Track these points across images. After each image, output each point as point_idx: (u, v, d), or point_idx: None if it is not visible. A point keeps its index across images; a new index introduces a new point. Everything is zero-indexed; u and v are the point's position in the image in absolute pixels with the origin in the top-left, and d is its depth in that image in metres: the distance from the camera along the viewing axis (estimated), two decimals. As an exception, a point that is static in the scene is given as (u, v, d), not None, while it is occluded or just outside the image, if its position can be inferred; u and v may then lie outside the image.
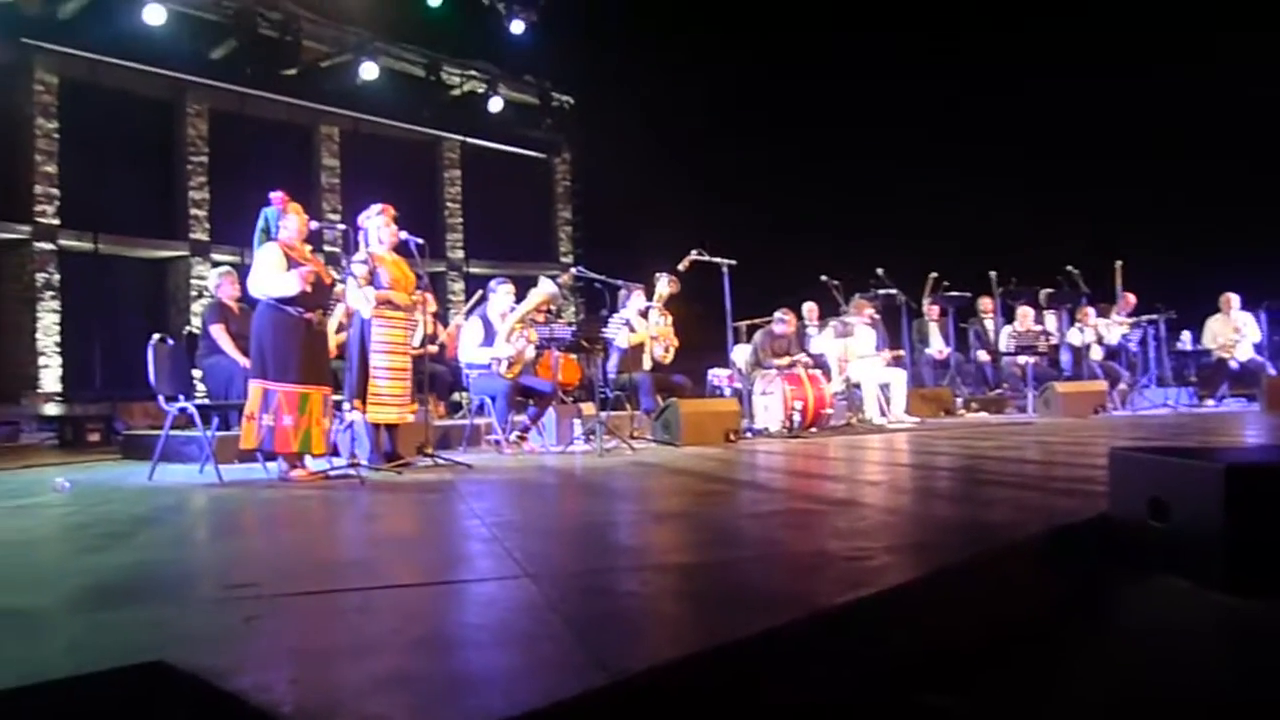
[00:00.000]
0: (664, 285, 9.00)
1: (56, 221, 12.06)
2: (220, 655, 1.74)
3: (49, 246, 12.02)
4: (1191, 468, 2.36)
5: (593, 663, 1.63)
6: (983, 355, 11.83)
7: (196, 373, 7.61)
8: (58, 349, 11.98)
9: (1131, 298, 11.59)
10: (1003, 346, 11.34)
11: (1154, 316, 11.33)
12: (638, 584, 2.40)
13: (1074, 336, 11.42)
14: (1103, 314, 11.63)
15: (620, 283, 8.98)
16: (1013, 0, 13.70)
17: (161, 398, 5.95)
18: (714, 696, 1.65)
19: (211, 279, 8.14)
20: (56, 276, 12.08)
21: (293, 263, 5.57)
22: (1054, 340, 11.30)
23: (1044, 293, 11.70)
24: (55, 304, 12.03)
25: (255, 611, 2.12)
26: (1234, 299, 11.39)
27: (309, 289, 5.51)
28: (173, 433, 6.18)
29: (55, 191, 12.08)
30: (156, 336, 6.06)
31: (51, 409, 11.53)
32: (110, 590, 2.49)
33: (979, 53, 13.83)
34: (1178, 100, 12.50)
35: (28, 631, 2.03)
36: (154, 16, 11.58)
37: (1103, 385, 10.57)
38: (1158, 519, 2.46)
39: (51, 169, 12.07)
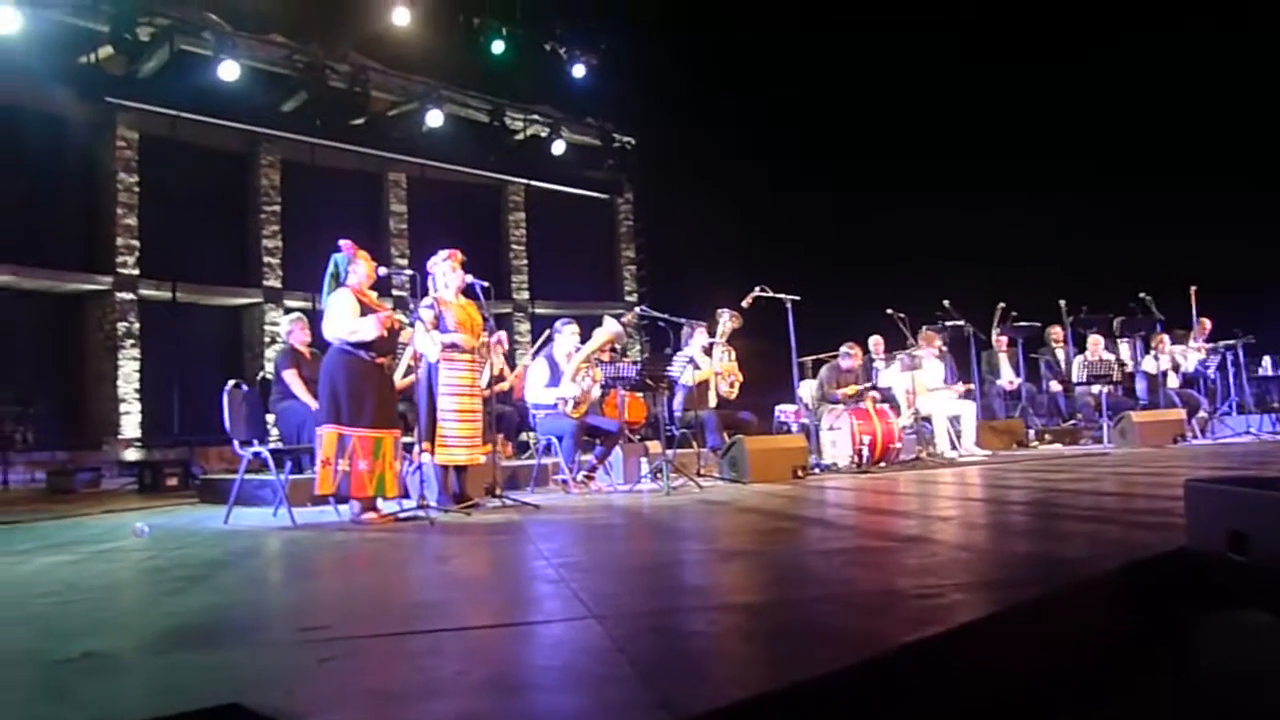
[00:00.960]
0: (726, 321, 9.00)
1: (136, 272, 12.51)
2: (294, 697, 1.77)
3: (129, 296, 12.45)
4: (1270, 499, 2.29)
5: (658, 704, 1.63)
6: (1055, 385, 11.59)
7: (270, 417, 7.78)
8: (137, 396, 12.36)
9: (1207, 323, 11.28)
10: (1075, 376, 11.09)
11: (1232, 341, 10.99)
12: (704, 624, 2.39)
13: (1149, 364, 11.14)
14: (1178, 340, 11.33)
15: (683, 320, 9.02)
16: (1076, 31, 13.55)
17: (236, 442, 6.09)
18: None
19: (284, 325, 8.34)
20: (136, 325, 12.50)
21: (365, 308, 5.70)
22: (1128, 368, 11.03)
23: (1116, 320, 11.44)
24: (135, 352, 12.44)
25: (328, 653, 2.16)
26: (1319, 321, 11.04)
27: (385, 333, 5.64)
28: (247, 477, 6.32)
29: (135, 243, 12.54)
30: (231, 383, 6.22)
31: (131, 454, 11.87)
32: (187, 633, 2.55)
33: (1044, 82, 13.69)
34: (1252, 121, 12.23)
35: (107, 673, 2.09)
36: (228, 73, 12.03)
37: (1181, 414, 10.27)
38: (1237, 552, 2.38)
39: (132, 221, 12.54)
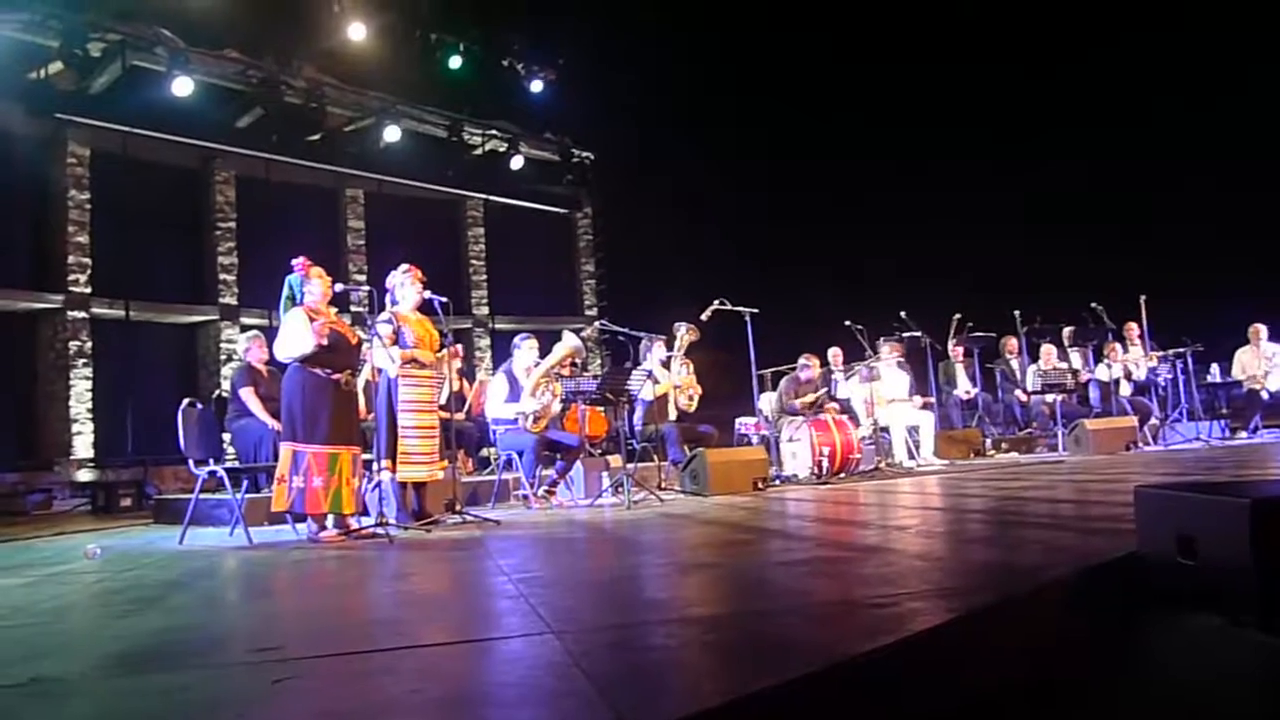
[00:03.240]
0: (683, 334, 9.03)
1: (88, 290, 12.29)
2: (245, 719, 1.75)
3: (81, 315, 12.23)
4: (1216, 504, 2.33)
5: (615, 718, 1.63)
6: (1020, 395, 11.68)
7: (226, 435, 7.69)
8: (90, 415, 12.13)
9: (1134, 327, 11.50)
10: (1030, 385, 11.25)
11: (1181, 350, 11.22)
12: (662, 637, 2.39)
13: (1102, 372, 11.33)
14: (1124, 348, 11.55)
15: (642, 334, 9.03)
16: (1032, 45, 13.78)
17: (191, 462, 6.01)
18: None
19: (241, 343, 8.25)
20: (89, 344, 12.27)
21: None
22: (1082, 377, 11.20)
23: (1068, 330, 11.63)
24: (88, 371, 12.21)
25: (281, 674, 2.13)
26: (1263, 330, 11.28)
27: (324, 342, 5.58)
28: (203, 496, 6.23)
29: (87, 261, 12.32)
30: (186, 401, 6.14)
31: (84, 475, 11.65)
32: (139, 656, 2.51)
33: (998, 96, 13.91)
34: (1200, 134, 12.51)
35: (55, 698, 2.05)
36: (182, 88, 11.88)
37: (1133, 421, 10.45)
38: (1186, 557, 2.42)
39: (83, 239, 12.32)
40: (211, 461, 6.09)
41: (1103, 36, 13.45)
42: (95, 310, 12.35)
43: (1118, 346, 11.39)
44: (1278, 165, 12.15)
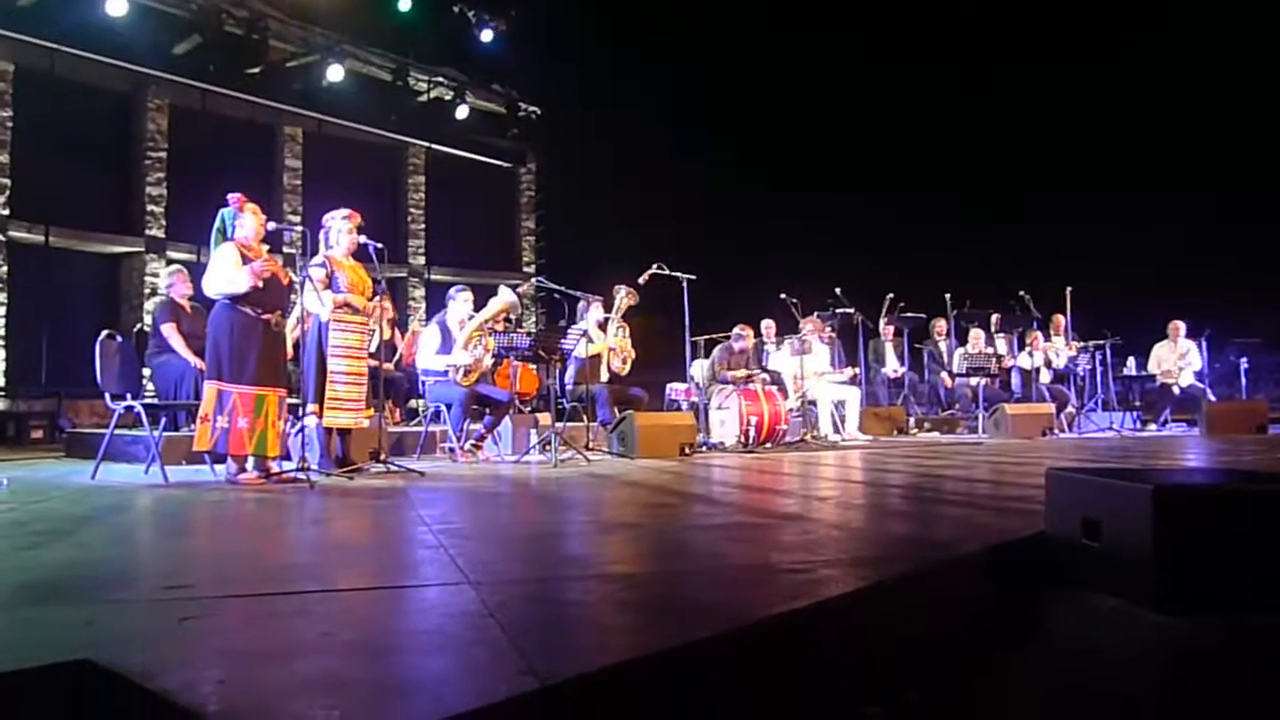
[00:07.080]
0: (622, 297, 9.02)
1: (6, 212, 11.84)
2: (149, 654, 1.72)
3: (-3, 237, 11.80)
4: (1121, 488, 2.41)
5: (525, 669, 1.63)
6: (945, 377, 11.90)
7: (146, 371, 7.50)
8: (2, 343, 11.74)
9: (1061, 319, 11.78)
10: (955, 368, 11.48)
11: (1100, 342, 11.53)
12: (579, 593, 2.40)
13: (1024, 360, 11.59)
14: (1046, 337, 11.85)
15: (579, 294, 9.00)
16: (962, 35, 13.93)
17: (108, 396, 5.85)
18: (642, 705, 1.65)
19: (164, 277, 8.03)
20: (4, 269, 11.84)
21: (248, 263, 5.53)
22: (1006, 363, 11.46)
23: (995, 316, 11.87)
24: (1, 297, 11.79)
25: (189, 612, 2.10)
26: (1182, 327, 11.64)
27: (260, 284, 5.47)
28: (119, 432, 6.09)
29: (5, 181, 11.86)
30: (105, 333, 5.97)
31: (-6, 404, 11.31)
32: (42, 588, 2.45)
33: (939, 88, 14.06)
34: (1133, 138, 12.82)
35: (-48, 627, 2.00)
36: (116, 8, 11.46)
37: (1050, 408, 10.73)
38: (1091, 538, 2.50)
39: (3, 158, 11.85)
40: (129, 396, 5.94)
41: (1043, 50, 13.67)
42: (12, 234, 11.91)
43: (1040, 335, 11.65)
44: (1205, 174, 12.55)
